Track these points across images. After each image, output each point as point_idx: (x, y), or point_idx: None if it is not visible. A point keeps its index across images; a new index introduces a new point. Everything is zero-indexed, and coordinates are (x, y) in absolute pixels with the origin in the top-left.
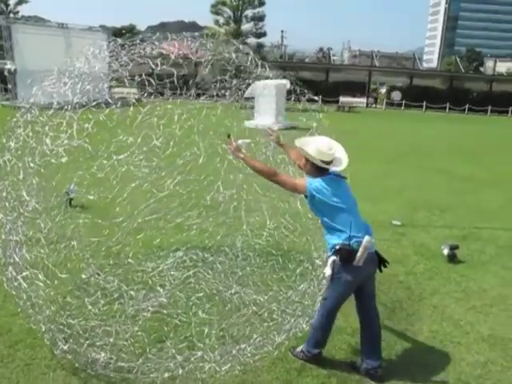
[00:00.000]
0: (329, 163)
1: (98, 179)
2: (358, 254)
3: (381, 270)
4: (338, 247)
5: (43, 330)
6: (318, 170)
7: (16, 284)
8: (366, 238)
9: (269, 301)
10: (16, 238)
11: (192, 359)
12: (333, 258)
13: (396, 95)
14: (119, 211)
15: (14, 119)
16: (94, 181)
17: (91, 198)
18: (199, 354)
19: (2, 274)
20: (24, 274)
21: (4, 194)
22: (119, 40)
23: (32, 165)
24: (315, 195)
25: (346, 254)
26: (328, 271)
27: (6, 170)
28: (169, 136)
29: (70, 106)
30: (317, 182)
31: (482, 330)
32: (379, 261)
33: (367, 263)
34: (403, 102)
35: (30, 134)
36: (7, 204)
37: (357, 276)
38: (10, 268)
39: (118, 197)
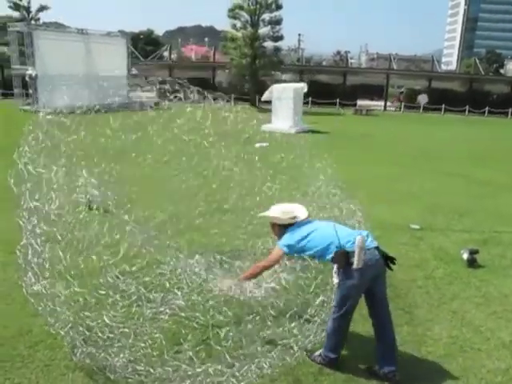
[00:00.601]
0: (293, 219)
1: (123, 179)
2: (355, 255)
3: (390, 268)
4: (333, 256)
5: (62, 334)
6: (287, 227)
7: (35, 288)
8: (358, 237)
9: (286, 304)
10: (36, 246)
11: (210, 370)
12: (335, 265)
13: (423, 98)
14: (139, 214)
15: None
16: (119, 180)
17: (111, 200)
18: (218, 367)
19: (21, 280)
20: (42, 282)
21: (23, 202)
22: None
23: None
24: (291, 245)
25: (342, 259)
26: (335, 279)
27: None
28: (190, 138)
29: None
30: (283, 239)
31: (503, 336)
32: (386, 259)
33: (370, 264)
34: (421, 104)
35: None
36: (25, 213)
37: (361, 278)
38: (30, 274)
39: (139, 199)
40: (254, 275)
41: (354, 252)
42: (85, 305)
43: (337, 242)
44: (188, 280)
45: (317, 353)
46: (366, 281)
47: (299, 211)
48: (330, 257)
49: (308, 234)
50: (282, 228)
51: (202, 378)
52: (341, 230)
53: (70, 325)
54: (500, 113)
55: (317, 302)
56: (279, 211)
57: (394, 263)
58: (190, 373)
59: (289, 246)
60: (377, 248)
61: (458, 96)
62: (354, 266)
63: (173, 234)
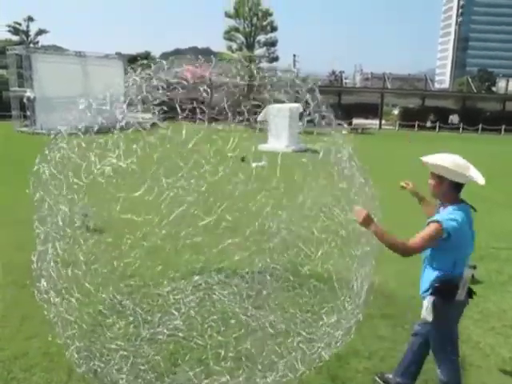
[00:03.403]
0: (467, 177)
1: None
2: (460, 287)
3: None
4: (437, 285)
5: (71, 348)
6: (455, 189)
7: (46, 297)
8: (467, 270)
9: (285, 323)
10: (52, 250)
11: None
12: (432, 298)
13: (454, 118)
14: (137, 234)
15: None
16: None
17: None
18: (223, 379)
19: (34, 286)
20: (59, 287)
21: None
22: (136, 67)
23: (75, 180)
24: (451, 235)
25: (447, 290)
26: (429, 316)
27: (46, 183)
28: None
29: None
30: (453, 221)
31: (503, 352)
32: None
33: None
34: (416, 122)
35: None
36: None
37: (460, 308)
38: (43, 280)
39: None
40: (395, 249)
41: (458, 283)
42: (80, 327)
43: (455, 270)
44: (185, 300)
45: None
46: (462, 311)
47: (474, 171)
48: (431, 278)
49: (459, 244)
50: (450, 188)
51: None
52: (468, 257)
53: (77, 343)
54: (493, 130)
55: (328, 323)
56: (452, 162)
57: (472, 296)
58: None
59: (448, 236)
60: None
61: (452, 114)
62: (457, 297)
63: (171, 252)
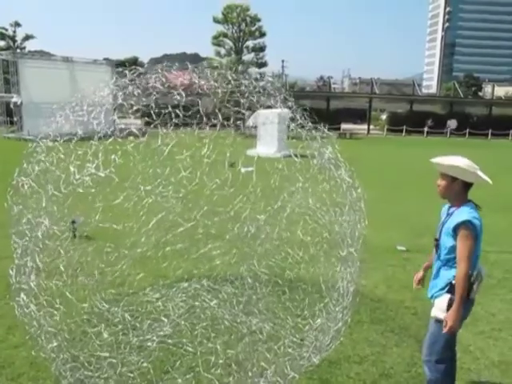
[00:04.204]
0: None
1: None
2: (475, 285)
3: None
4: (453, 282)
5: (52, 358)
6: (465, 189)
7: (27, 311)
8: (482, 268)
9: (275, 328)
10: (31, 263)
11: None
12: (448, 296)
13: (452, 123)
14: (125, 241)
15: (35, 146)
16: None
17: (101, 225)
18: None
19: (13, 300)
20: (40, 300)
21: (24, 220)
22: (124, 72)
23: (55, 192)
24: (478, 234)
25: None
26: (441, 314)
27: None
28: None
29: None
30: (476, 219)
31: (492, 355)
32: None
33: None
34: (404, 127)
35: (52, 161)
36: (23, 228)
37: (470, 307)
38: (22, 294)
39: (122, 226)
40: (464, 286)
41: (473, 281)
42: (69, 334)
43: (472, 267)
44: (175, 307)
45: None
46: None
47: (481, 171)
48: (449, 276)
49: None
50: (461, 188)
51: None
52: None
53: (58, 354)
54: (480, 134)
55: (317, 321)
56: (462, 162)
57: None
58: None
59: (479, 226)
60: None
61: (440, 118)
62: (472, 295)
63: (159, 260)
